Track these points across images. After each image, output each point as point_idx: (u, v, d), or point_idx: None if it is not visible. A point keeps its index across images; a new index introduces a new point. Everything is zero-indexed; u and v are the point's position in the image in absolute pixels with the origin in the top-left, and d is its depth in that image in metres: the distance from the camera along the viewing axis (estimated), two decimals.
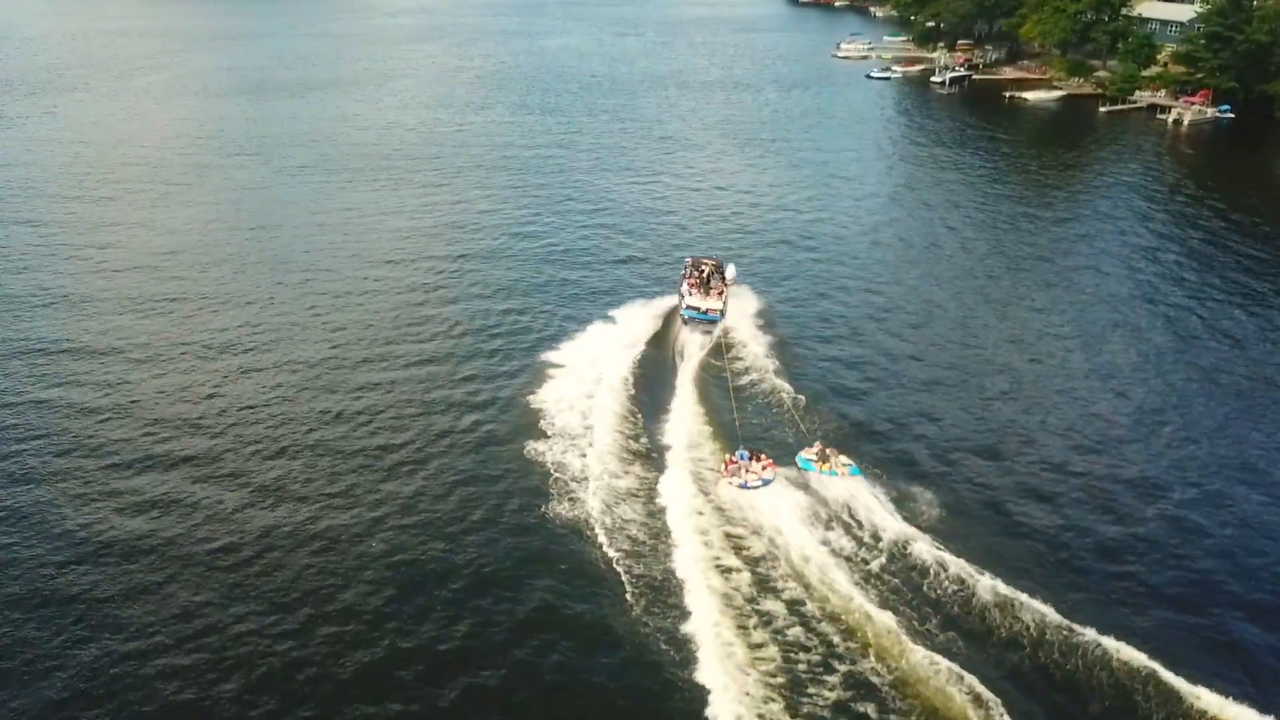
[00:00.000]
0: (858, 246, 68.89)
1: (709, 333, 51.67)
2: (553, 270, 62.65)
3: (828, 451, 39.48)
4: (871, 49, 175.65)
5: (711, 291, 53.30)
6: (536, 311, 55.78)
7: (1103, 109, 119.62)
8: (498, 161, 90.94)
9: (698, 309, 52.13)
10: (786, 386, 46.07)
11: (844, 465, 38.86)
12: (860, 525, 36.35)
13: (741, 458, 38.54)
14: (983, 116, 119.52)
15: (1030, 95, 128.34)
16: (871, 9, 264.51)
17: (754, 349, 50.36)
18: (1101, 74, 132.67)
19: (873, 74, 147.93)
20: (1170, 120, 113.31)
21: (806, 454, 39.47)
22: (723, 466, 38.60)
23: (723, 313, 52.52)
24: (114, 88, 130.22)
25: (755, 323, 53.28)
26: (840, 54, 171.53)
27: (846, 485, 38.19)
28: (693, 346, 50.66)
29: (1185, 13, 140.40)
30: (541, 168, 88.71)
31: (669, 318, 53.68)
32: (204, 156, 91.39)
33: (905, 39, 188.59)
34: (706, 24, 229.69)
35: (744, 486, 37.30)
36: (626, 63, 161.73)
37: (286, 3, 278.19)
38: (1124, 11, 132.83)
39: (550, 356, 49.32)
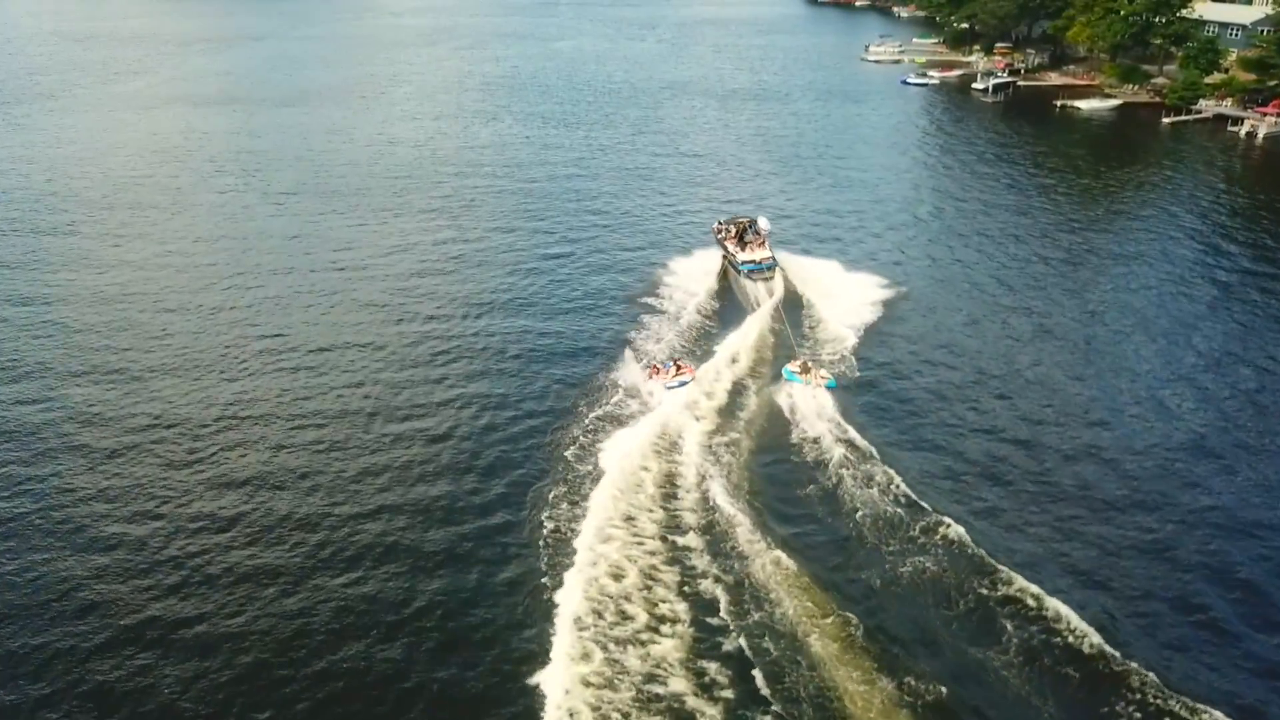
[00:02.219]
0: (920, 281, 59.95)
1: (770, 279, 55.43)
2: (574, 321, 53.23)
3: (809, 364, 44.84)
4: (902, 52, 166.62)
5: (752, 244, 57.50)
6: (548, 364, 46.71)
7: (1166, 120, 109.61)
8: (507, 185, 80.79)
9: (754, 261, 56.02)
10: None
11: (822, 378, 43.85)
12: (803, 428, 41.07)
13: (666, 366, 44.87)
14: (1033, 128, 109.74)
15: (1083, 104, 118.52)
16: (895, 9, 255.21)
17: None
18: (1159, 81, 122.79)
19: (909, 80, 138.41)
20: (1243, 132, 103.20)
21: (791, 366, 44.82)
22: (651, 371, 44.81)
23: (774, 259, 56.65)
24: (93, 96, 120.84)
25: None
26: (870, 57, 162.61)
27: (817, 395, 43.02)
28: (762, 294, 54.34)
29: (1248, 14, 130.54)
30: (557, 192, 78.59)
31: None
32: (180, 178, 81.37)
33: (936, 41, 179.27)
34: (725, 25, 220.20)
35: (666, 387, 43.42)
36: (645, 68, 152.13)
37: (289, 2, 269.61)
38: (1182, 13, 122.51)
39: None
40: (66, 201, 74.16)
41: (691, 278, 57.81)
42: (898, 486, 36.38)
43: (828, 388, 43.36)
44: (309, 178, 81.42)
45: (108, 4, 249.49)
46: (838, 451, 38.95)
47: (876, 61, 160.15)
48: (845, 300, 54.08)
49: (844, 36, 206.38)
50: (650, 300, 55.40)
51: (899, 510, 35.23)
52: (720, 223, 62.71)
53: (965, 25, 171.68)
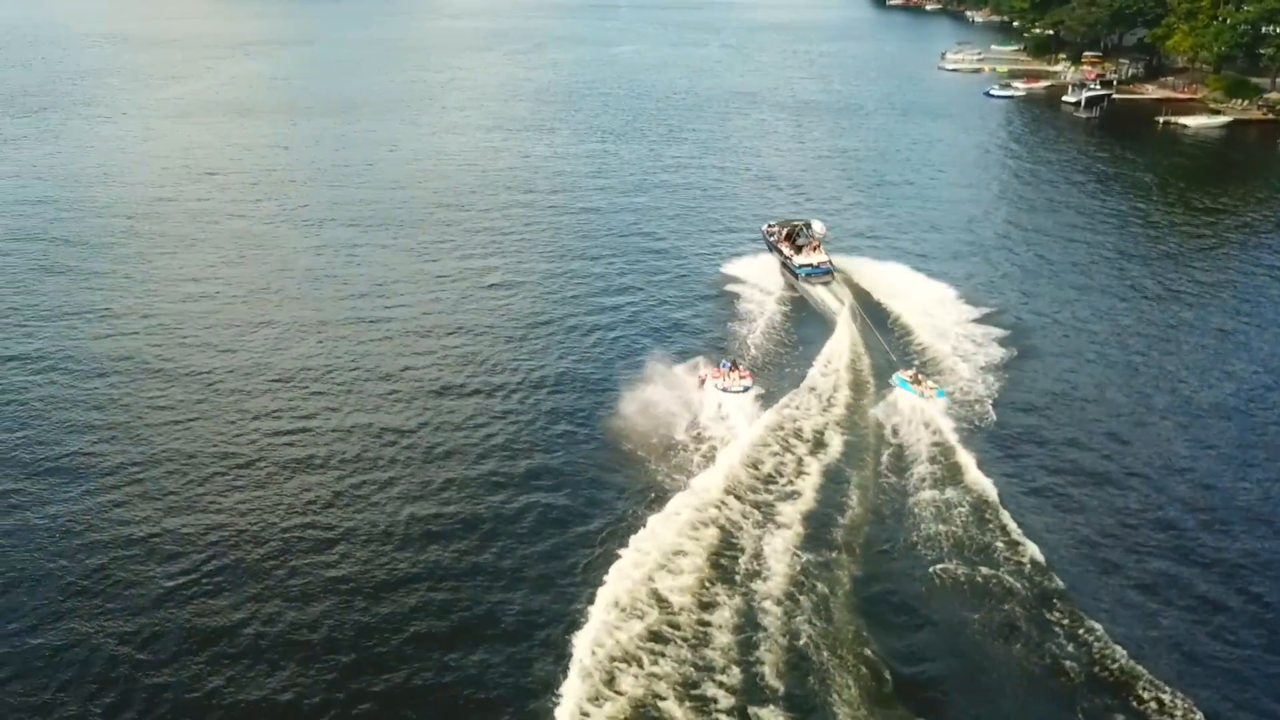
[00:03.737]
0: (1016, 310, 53.08)
1: (827, 284, 54.29)
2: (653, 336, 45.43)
3: (919, 374, 43.31)
4: (981, 60, 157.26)
5: (807, 248, 56.36)
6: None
7: None
8: (562, 207, 72.97)
9: (812, 265, 55.19)
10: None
11: (931, 389, 42.25)
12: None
13: (724, 366, 42.58)
14: (1133, 147, 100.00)
15: (1190, 121, 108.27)
16: (968, 13, 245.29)
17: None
18: (1272, 96, 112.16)
19: (992, 91, 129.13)
20: None
21: (903, 374, 43.36)
22: (711, 372, 42.60)
23: (831, 263, 55.78)
24: (132, 102, 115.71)
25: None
26: (947, 65, 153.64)
27: (927, 406, 41.16)
28: (829, 300, 52.91)
29: None
30: (617, 225, 69.86)
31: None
32: (209, 200, 74.52)
33: (1016, 48, 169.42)
34: (791, 30, 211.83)
35: (725, 390, 41.35)
36: (709, 75, 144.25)
37: (347, 3, 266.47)
38: None
39: None
40: (80, 224, 67.71)
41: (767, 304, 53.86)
42: (1017, 539, 32.72)
43: (938, 397, 41.88)
44: (346, 199, 74.49)
45: (168, 4, 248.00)
46: (945, 476, 36.56)
47: (954, 70, 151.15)
48: (936, 318, 50.94)
49: (917, 43, 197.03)
50: (727, 320, 52.23)
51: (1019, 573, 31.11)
52: (771, 224, 61.39)
53: (1049, 33, 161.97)
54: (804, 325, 51.14)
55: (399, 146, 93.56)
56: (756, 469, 36.81)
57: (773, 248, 59.18)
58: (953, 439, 38.58)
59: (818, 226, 58.74)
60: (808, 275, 54.66)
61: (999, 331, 49.32)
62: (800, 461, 37.60)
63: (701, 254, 63.48)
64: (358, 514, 34.66)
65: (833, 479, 36.48)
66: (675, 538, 32.50)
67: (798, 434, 39.49)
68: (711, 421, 40.30)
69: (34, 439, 39.37)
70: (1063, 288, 57.57)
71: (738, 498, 34.79)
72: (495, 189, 78.30)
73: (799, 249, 56.33)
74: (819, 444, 38.90)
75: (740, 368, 43.15)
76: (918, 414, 40.74)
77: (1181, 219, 73.53)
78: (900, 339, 48.78)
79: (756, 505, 34.54)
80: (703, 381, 42.20)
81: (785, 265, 56.91)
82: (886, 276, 56.17)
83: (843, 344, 47.33)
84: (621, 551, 31.44)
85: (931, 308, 51.84)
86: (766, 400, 41.40)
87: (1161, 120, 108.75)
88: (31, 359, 46.81)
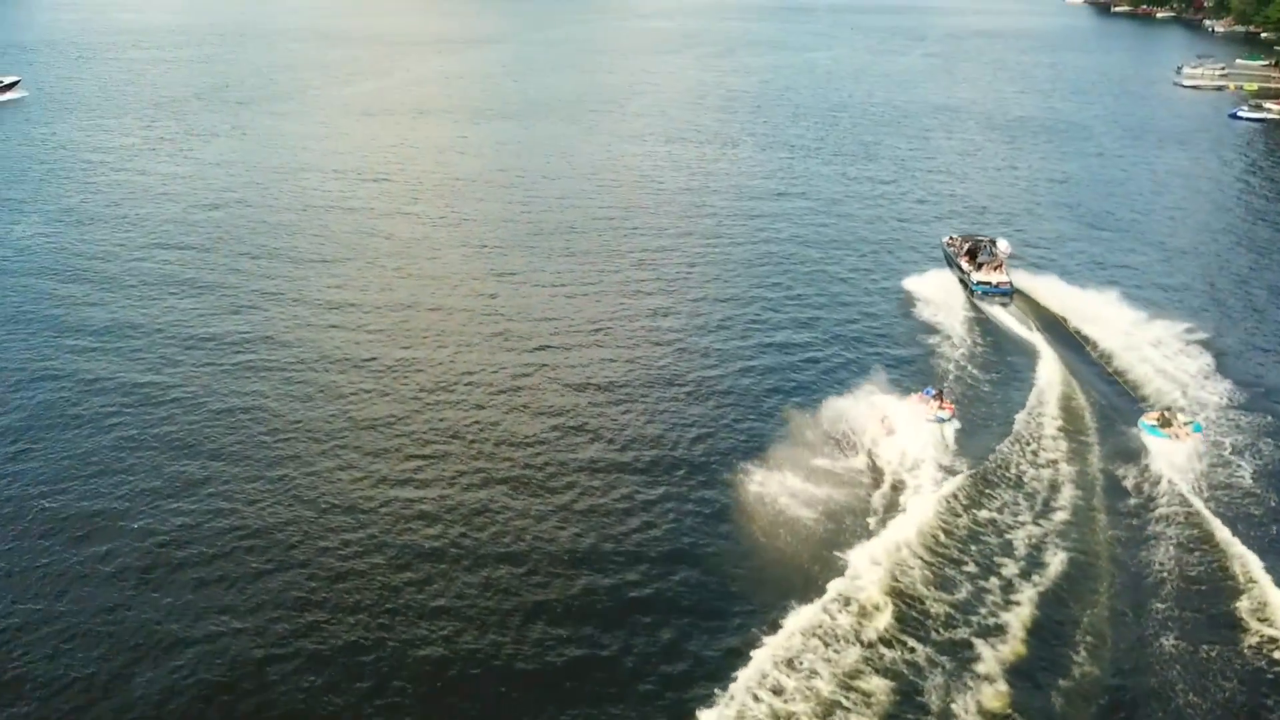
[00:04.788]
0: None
1: (1005, 305, 51.68)
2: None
3: (1166, 414, 38.63)
4: (1225, 76, 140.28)
5: (988, 266, 53.55)
6: None
7: None
8: (740, 234, 65.86)
9: (989, 284, 52.55)
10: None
11: (1185, 425, 38.02)
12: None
13: (928, 393, 39.62)
14: None
15: None
16: (1206, 22, 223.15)
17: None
18: None
19: (1240, 113, 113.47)
20: None
21: (1148, 419, 38.98)
22: (916, 397, 39.73)
23: (1012, 285, 52.79)
24: (321, 99, 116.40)
25: None
26: (1185, 81, 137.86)
27: (1187, 448, 36.94)
28: (1003, 318, 50.57)
29: None
30: (797, 251, 62.74)
31: None
32: (375, 203, 71.87)
33: (1268, 63, 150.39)
34: (1002, 38, 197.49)
35: (926, 419, 38.25)
36: (910, 87, 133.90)
37: (542, 1, 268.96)
38: None
39: None
40: (244, 224, 66.07)
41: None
42: None
43: (1194, 431, 37.68)
44: (512, 212, 70.23)
45: (370, 2, 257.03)
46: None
47: (1193, 87, 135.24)
48: (1146, 352, 45.74)
49: (1147, 55, 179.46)
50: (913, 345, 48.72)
51: None
52: (952, 237, 58.84)
53: None
54: (998, 352, 47.39)
55: (575, 155, 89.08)
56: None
57: (951, 261, 56.58)
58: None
59: (1003, 245, 55.53)
60: (985, 294, 52.25)
61: (1226, 378, 43.64)
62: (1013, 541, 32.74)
63: (887, 290, 55.95)
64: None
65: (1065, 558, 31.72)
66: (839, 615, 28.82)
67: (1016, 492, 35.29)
68: (903, 462, 36.47)
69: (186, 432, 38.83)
70: None
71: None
72: (671, 205, 72.39)
73: (979, 266, 53.57)
74: (1044, 510, 34.15)
75: (945, 398, 39.75)
76: (1175, 462, 36.29)
77: None
78: (1114, 372, 44.58)
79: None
80: (888, 430, 38.10)
81: (962, 282, 54.23)
82: (1088, 306, 50.73)
83: (1052, 378, 43.40)
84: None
85: (1141, 342, 46.47)
86: (970, 443, 37.94)
87: None
88: (213, 340, 46.87)
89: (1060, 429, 39.23)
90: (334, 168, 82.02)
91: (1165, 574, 31.01)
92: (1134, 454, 37.34)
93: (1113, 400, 42.18)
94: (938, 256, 60.05)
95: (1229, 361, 45.86)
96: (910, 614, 28.77)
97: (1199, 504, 34.11)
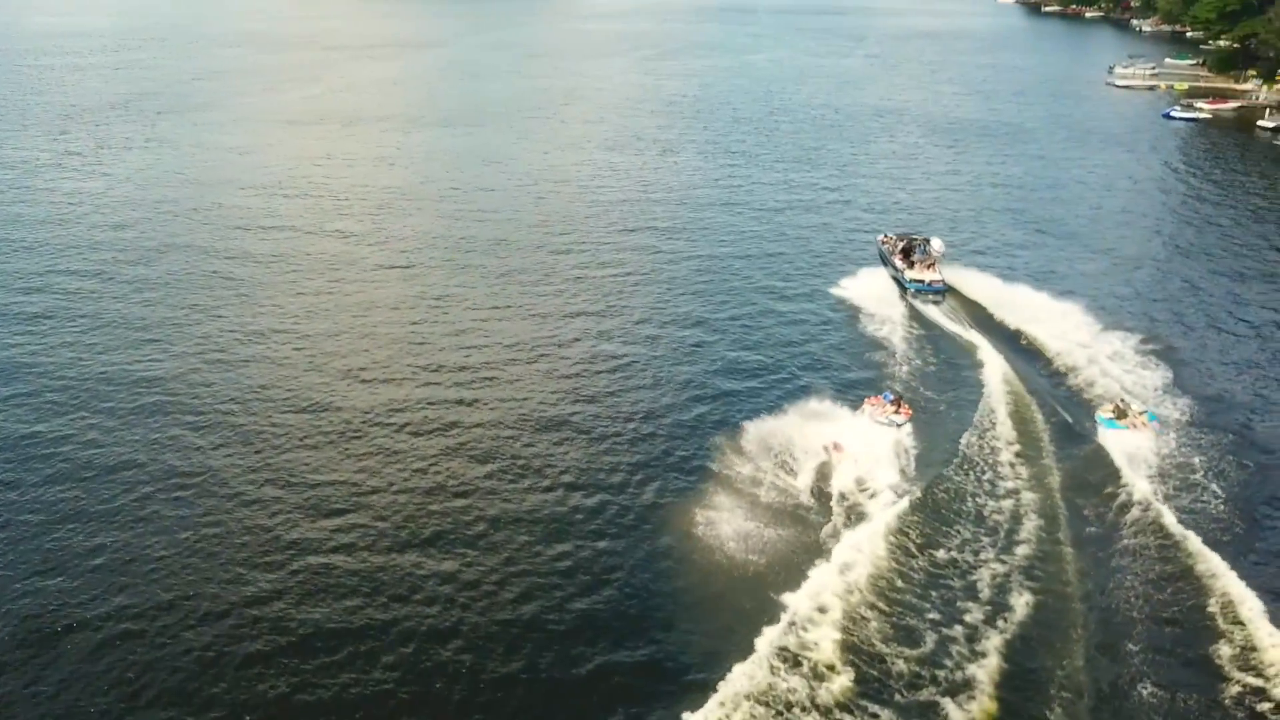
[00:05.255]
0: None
1: (939, 302, 51.94)
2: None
3: (1121, 405, 39.00)
4: (1155, 75, 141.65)
5: (921, 264, 53.84)
6: None
7: None
8: (681, 249, 63.91)
9: (923, 282, 52.84)
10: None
11: (1140, 414, 38.63)
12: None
13: (886, 398, 39.27)
14: None
15: None
16: (1134, 21, 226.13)
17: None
18: None
19: (1173, 113, 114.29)
20: None
21: (1104, 412, 39.07)
22: (869, 399, 39.52)
23: (945, 284, 53.05)
24: (248, 107, 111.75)
25: None
26: (1118, 82, 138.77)
27: (1145, 438, 37.38)
28: (934, 315, 50.70)
29: None
30: (743, 277, 59.77)
31: None
32: (300, 219, 68.43)
33: (1196, 63, 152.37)
34: (940, 39, 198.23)
35: (877, 422, 38.09)
36: (852, 89, 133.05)
37: (484, 4, 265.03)
38: None
39: None
40: (156, 240, 62.21)
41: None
42: None
43: (1149, 421, 38.41)
44: (444, 228, 67.03)
45: (313, 4, 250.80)
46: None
47: (1126, 87, 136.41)
48: (1090, 348, 46.19)
49: (1079, 55, 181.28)
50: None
51: None
52: (887, 236, 59.28)
53: (1235, 45, 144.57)
54: (941, 352, 47.15)
55: (511, 165, 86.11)
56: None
57: (886, 260, 56.83)
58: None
59: (936, 243, 56.06)
60: (918, 291, 52.64)
61: (1162, 364, 44.82)
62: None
63: (829, 297, 54.13)
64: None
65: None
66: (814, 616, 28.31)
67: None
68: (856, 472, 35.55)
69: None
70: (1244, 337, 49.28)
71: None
72: (610, 217, 69.84)
73: (913, 264, 54.03)
74: (1011, 526, 33.09)
75: (903, 403, 39.45)
76: (1136, 454, 36.43)
77: None
78: (1058, 368, 44.79)
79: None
80: (838, 451, 36.66)
81: (896, 280, 54.57)
82: (1020, 300, 51.56)
83: (997, 376, 43.22)
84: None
85: (1076, 336, 47.12)
86: (926, 451, 37.24)
87: None
88: (110, 381, 42.19)
89: (1016, 431, 38.65)
90: (256, 182, 78.16)
91: (1136, 585, 30.36)
92: (1094, 449, 37.39)
93: (1059, 394, 42.27)
94: (874, 256, 59.65)
95: (1163, 349, 46.68)
96: (867, 660, 26.85)
97: (1161, 502, 33.78)
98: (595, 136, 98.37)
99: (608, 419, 40.63)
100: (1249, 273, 60.33)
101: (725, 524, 32.58)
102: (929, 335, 49.03)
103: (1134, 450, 36.51)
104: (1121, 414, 38.41)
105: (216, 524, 33.01)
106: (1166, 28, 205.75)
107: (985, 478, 35.43)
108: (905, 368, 45.14)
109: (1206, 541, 31.65)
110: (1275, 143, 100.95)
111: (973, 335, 47.94)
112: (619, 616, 29.28)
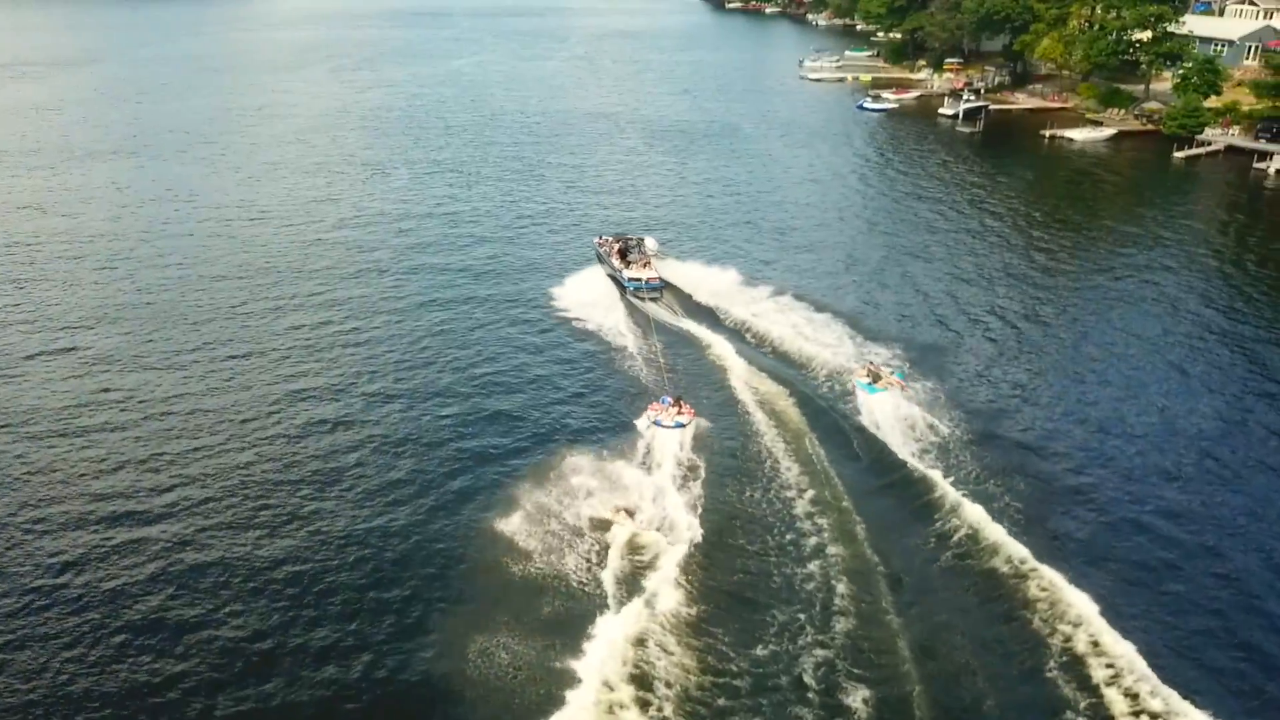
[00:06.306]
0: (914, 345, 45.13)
1: (657, 299, 53.37)
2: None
3: (872, 368, 41.91)
4: (840, 67, 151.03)
5: (637, 263, 55.38)
6: None
7: (1179, 154, 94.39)
8: (409, 293, 57.81)
9: (640, 280, 54.17)
10: None
11: (890, 374, 41.40)
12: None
13: (664, 402, 39.77)
14: (1021, 163, 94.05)
15: (1077, 134, 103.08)
16: (809, 17, 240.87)
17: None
18: (1150, 106, 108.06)
19: (865, 104, 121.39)
20: (1272, 170, 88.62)
21: (860, 377, 41.52)
22: (651, 405, 39.91)
23: (661, 281, 54.56)
24: None
25: None
26: (810, 75, 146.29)
27: (902, 397, 40.46)
28: (656, 311, 51.88)
29: (1237, 29, 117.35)
30: (473, 305, 55.32)
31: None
32: None
33: (872, 54, 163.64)
34: (638, 37, 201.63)
35: (659, 424, 38.40)
36: (563, 93, 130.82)
37: (146, 10, 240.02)
38: (1168, 28, 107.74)
39: None
40: None
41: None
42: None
43: (898, 378, 41.58)
44: (111, 292, 56.53)
45: None
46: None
47: (817, 80, 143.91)
48: (809, 328, 49.34)
49: (768, 50, 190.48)
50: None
51: None
52: (603, 237, 60.42)
53: (905, 38, 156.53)
54: (679, 349, 48.12)
55: (196, 201, 75.25)
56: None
57: (604, 260, 57.92)
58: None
59: (650, 242, 58.70)
60: (637, 290, 53.95)
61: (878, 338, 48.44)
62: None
63: (558, 311, 50.94)
64: None
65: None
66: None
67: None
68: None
69: None
70: (949, 310, 53.03)
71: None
72: (318, 254, 62.43)
73: (629, 264, 55.40)
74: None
75: (685, 404, 39.74)
76: (901, 413, 39.37)
77: (1080, 240, 67.78)
78: (785, 350, 47.12)
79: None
80: (625, 514, 34.86)
81: (614, 279, 55.89)
82: (732, 289, 54.42)
83: (736, 365, 45.01)
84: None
85: (796, 319, 50.19)
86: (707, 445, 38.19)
87: (1047, 134, 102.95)
88: None
89: (777, 420, 39.93)
90: None
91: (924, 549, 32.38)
92: (861, 416, 39.86)
93: (803, 372, 44.85)
94: (593, 259, 59.47)
95: (870, 320, 51.35)
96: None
97: (930, 467, 36.26)
98: (295, 161, 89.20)
99: (328, 498, 34.67)
100: (936, 247, 63.31)
101: (495, 633, 28.24)
102: (663, 333, 49.71)
103: (896, 410, 39.65)
104: (876, 377, 41.23)
105: None
106: (839, 21, 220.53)
107: (770, 477, 36.23)
108: (648, 370, 45.23)
109: (973, 497, 34.08)
110: (956, 129, 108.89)
111: (695, 326, 50.06)
112: None
